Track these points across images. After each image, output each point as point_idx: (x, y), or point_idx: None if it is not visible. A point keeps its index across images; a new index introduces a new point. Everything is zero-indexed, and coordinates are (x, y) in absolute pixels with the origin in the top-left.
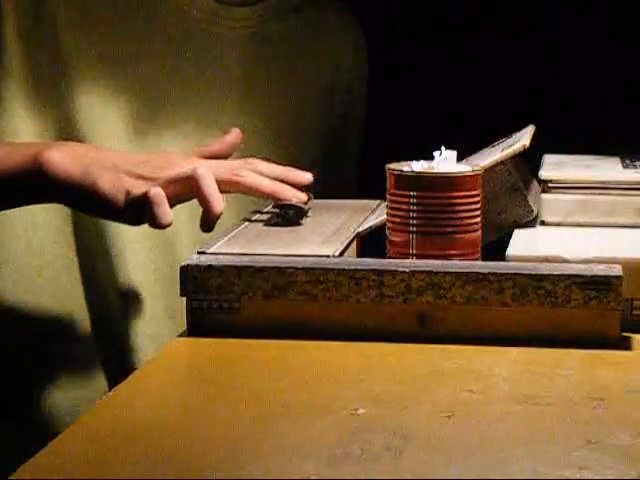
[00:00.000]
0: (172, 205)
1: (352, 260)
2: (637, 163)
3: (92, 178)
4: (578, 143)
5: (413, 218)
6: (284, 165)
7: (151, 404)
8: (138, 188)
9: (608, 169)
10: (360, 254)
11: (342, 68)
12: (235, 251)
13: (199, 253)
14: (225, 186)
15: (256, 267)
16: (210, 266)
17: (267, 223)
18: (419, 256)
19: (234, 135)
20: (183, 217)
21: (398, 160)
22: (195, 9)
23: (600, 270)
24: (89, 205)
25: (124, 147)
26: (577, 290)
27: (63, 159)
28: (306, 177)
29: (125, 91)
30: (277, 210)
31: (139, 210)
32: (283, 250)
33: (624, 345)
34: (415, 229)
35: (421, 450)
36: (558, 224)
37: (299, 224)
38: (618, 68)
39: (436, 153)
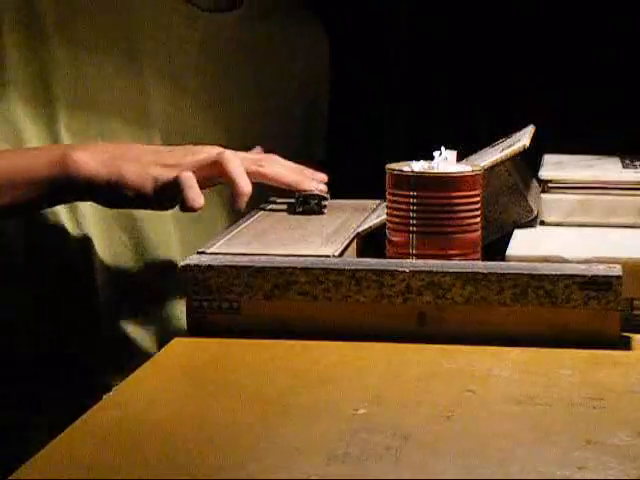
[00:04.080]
0: (201, 189)
1: (352, 260)
2: (637, 163)
3: (118, 172)
4: (578, 143)
5: (413, 218)
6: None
7: (151, 404)
8: (166, 175)
9: (608, 169)
10: (360, 254)
11: (308, 71)
12: (235, 251)
13: (199, 253)
14: (248, 176)
15: (256, 267)
16: (210, 266)
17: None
18: (419, 256)
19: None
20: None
21: (398, 160)
22: (173, 14)
23: (600, 270)
24: (118, 199)
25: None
26: (577, 290)
27: (89, 159)
28: (322, 175)
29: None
30: (297, 200)
31: (169, 196)
32: (283, 250)
33: (624, 345)
34: (415, 229)
35: (421, 450)
36: (558, 224)
37: (322, 213)
38: (618, 68)
39: (436, 153)
